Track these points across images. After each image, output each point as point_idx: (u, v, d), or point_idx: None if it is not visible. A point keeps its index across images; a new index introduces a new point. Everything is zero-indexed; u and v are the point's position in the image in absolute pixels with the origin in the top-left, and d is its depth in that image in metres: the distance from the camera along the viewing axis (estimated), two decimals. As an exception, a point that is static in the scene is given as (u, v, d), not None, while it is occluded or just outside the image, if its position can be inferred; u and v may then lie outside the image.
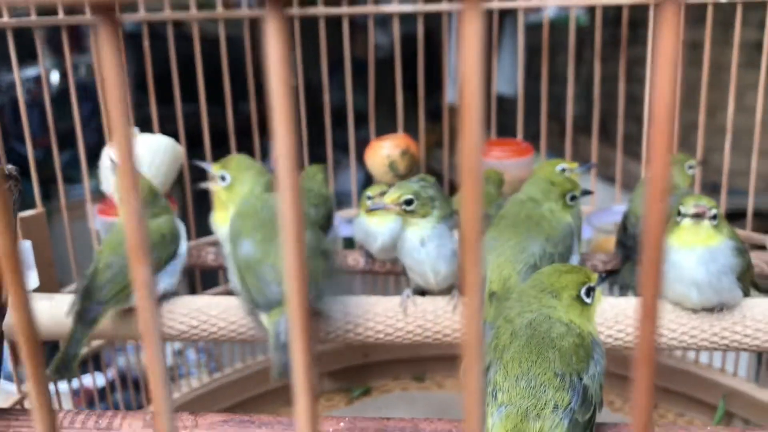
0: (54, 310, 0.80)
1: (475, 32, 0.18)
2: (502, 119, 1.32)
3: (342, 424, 0.57)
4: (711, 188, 1.33)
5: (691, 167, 0.95)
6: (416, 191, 0.75)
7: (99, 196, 1.00)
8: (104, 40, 0.19)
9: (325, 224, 0.98)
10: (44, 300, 0.81)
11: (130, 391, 1.16)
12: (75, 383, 1.08)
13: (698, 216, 0.69)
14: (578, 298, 0.55)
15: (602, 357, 0.54)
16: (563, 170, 0.93)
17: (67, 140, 1.04)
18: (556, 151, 1.47)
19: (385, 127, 1.23)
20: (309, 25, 1.20)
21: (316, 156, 1.26)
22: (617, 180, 1.30)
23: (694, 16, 1.16)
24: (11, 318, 0.76)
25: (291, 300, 0.23)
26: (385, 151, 1.17)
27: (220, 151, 1.06)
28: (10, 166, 0.66)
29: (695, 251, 0.68)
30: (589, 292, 0.56)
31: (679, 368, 1.21)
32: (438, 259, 0.74)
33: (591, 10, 1.25)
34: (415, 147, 1.19)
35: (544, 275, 0.57)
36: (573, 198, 0.78)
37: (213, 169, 0.80)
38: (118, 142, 0.23)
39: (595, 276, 0.57)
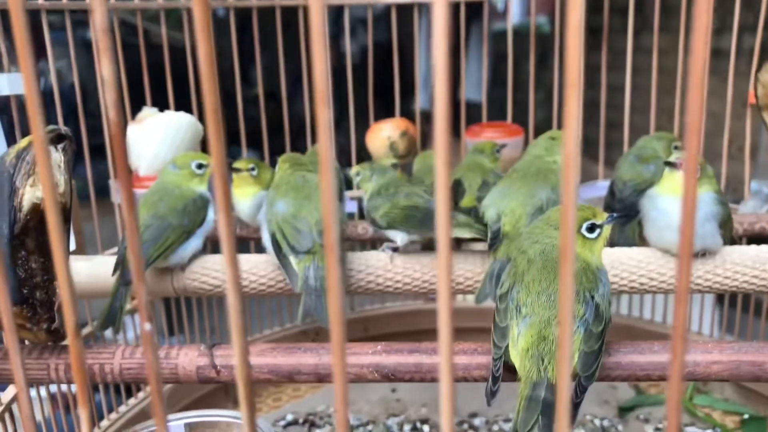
0: (92, 270, 0.85)
1: None
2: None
3: (379, 347, 0.64)
4: None
5: (676, 147, 1.04)
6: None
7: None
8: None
9: (339, 195, 1.06)
10: (83, 261, 0.86)
11: (111, 394, 1.10)
12: (53, 388, 1.05)
13: (672, 165, 0.79)
14: (579, 232, 0.63)
15: (608, 282, 0.62)
16: None
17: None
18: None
19: (358, 134, 1.30)
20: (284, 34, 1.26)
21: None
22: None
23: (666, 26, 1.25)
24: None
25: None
26: (385, 133, 1.25)
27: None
28: (65, 128, 0.72)
29: (679, 199, 0.77)
30: (593, 228, 0.64)
31: (648, 330, 1.31)
32: None
33: (553, 17, 1.35)
34: (414, 129, 1.27)
35: (551, 212, 0.65)
36: None
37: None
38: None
39: (603, 215, 0.65)
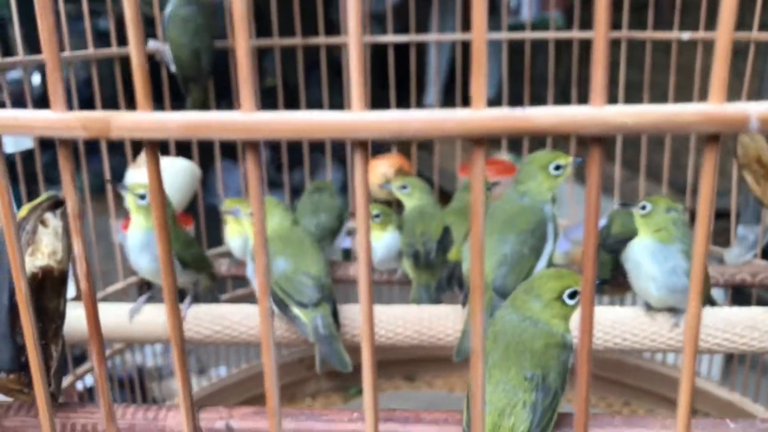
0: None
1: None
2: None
3: (356, 414, 0.68)
4: (678, 188, 1.45)
5: (558, 167, 0.86)
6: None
7: (124, 212, 1.10)
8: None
9: (337, 228, 1.11)
10: (81, 308, 0.90)
11: (116, 390, 1.16)
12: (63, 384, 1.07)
13: (626, 206, 0.84)
14: (560, 299, 0.65)
15: (570, 350, 0.64)
16: (557, 167, 0.86)
17: (46, 141, 1.10)
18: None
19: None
20: (287, 25, 1.29)
21: (294, 157, 1.36)
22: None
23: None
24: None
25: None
26: (381, 170, 1.28)
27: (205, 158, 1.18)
28: (62, 194, 0.76)
29: (643, 242, 0.82)
30: (574, 295, 0.66)
31: (649, 368, 1.33)
32: None
33: (568, 12, 1.36)
34: (408, 166, 1.30)
35: (535, 279, 0.67)
36: (557, 168, 0.86)
37: (243, 209, 0.91)
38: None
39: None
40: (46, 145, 1.04)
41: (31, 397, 0.68)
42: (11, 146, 0.92)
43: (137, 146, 1.13)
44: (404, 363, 1.46)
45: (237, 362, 1.38)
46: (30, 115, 0.30)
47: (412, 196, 1.10)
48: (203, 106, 1.19)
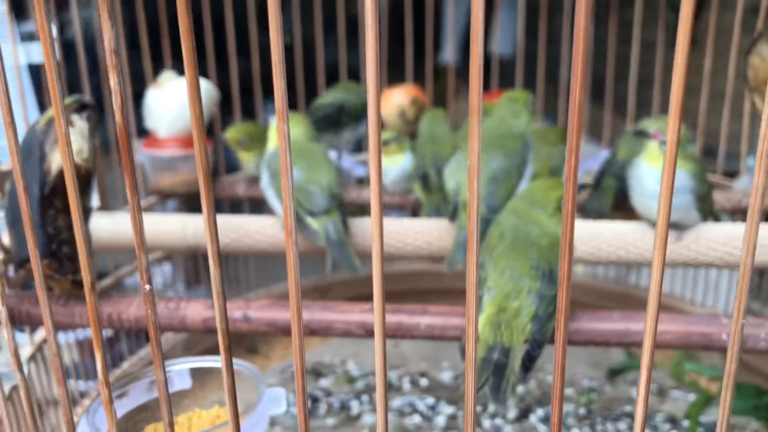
0: (114, 226, 0.93)
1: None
2: (500, 79, 1.43)
3: (367, 306, 0.71)
4: (709, 152, 1.44)
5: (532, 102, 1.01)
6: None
7: (143, 132, 1.13)
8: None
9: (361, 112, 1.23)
10: (106, 217, 0.94)
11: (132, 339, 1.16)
12: (80, 334, 1.09)
13: (644, 135, 0.85)
14: (560, 209, 0.69)
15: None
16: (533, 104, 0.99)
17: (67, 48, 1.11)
18: (550, 109, 1.59)
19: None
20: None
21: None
22: (605, 138, 1.44)
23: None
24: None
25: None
26: (396, 100, 1.30)
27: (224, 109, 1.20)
28: (87, 97, 0.79)
29: (654, 168, 0.83)
30: None
31: (645, 298, 1.35)
32: None
33: None
34: (424, 96, 1.32)
35: (534, 192, 0.71)
36: (533, 104, 0.95)
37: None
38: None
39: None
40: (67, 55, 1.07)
41: (61, 285, 0.72)
42: (22, 57, 0.94)
43: (157, 67, 1.15)
44: (413, 293, 1.50)
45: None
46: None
47: (425, 120, 1.13)
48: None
